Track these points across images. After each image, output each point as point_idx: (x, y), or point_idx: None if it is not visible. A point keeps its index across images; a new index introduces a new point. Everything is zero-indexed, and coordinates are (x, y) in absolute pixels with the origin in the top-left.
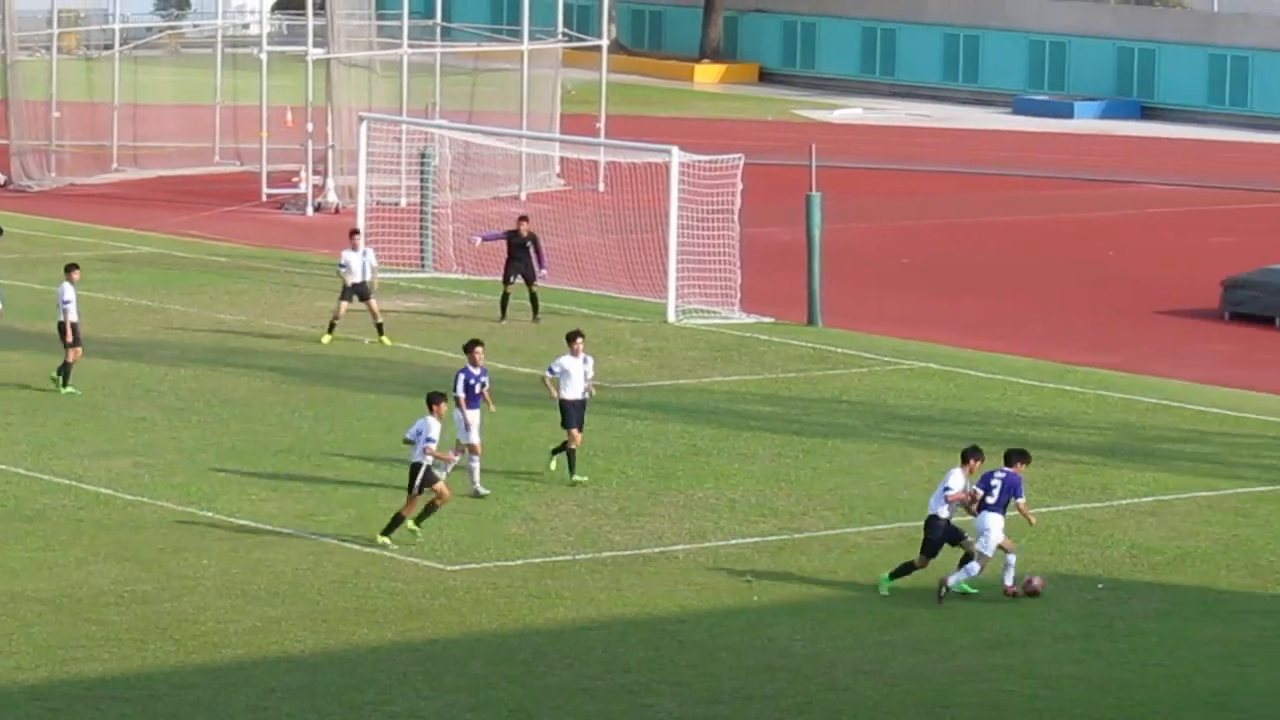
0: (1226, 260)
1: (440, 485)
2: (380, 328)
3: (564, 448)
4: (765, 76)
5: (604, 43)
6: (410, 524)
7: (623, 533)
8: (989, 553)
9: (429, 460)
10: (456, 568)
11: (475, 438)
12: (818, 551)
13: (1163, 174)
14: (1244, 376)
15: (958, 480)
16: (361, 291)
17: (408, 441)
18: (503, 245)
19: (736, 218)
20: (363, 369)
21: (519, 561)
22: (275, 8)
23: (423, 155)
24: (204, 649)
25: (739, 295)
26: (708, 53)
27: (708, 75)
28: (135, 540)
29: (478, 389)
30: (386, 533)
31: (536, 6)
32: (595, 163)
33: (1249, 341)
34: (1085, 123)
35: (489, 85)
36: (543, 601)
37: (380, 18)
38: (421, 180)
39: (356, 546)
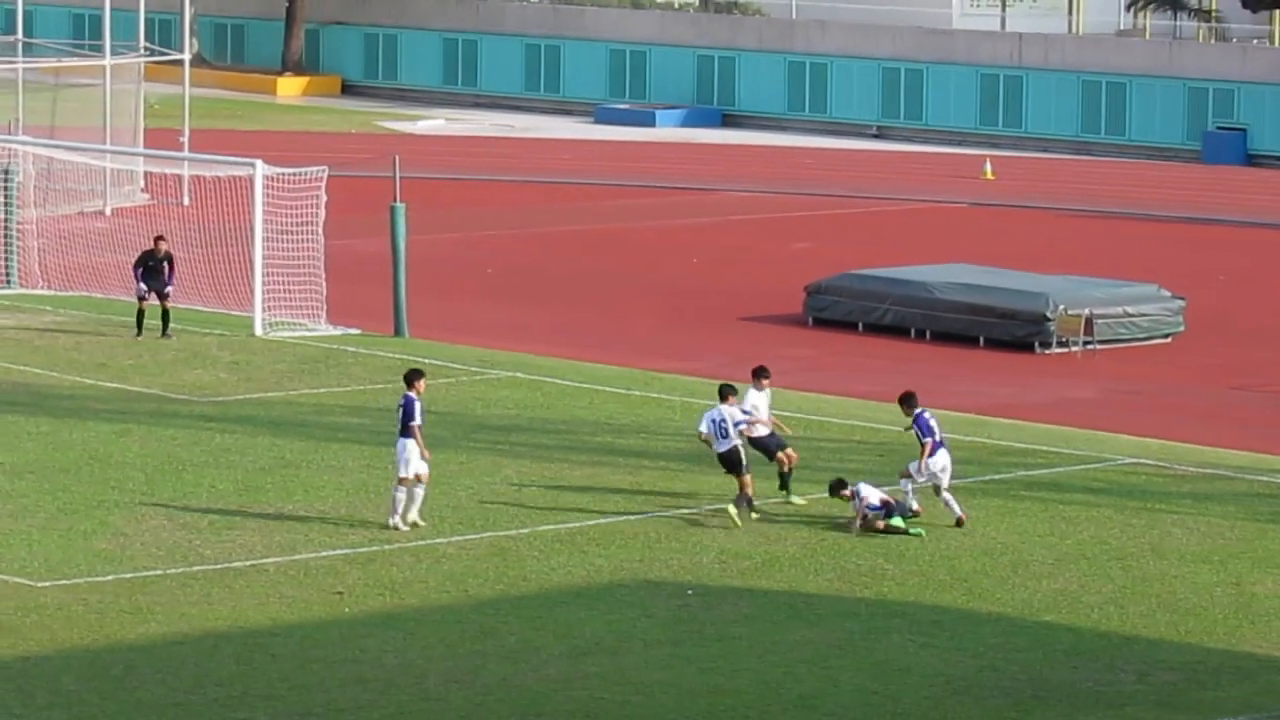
0: (808, 266)
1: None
2: None
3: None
4: (348, 89)
5: (186, 56)
6: (732, 511)
7: (212, 546)
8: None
9: (741, 441)
10: (47, 584)
11: (425, 467)
12: (408, 562)
13: (744, 181)
14: (827, 381)
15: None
16: None
17: (706, 440)
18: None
19: (320, 230)
20: None
21: (110, 577)
22: None
23: (5, 171)
24: None
25: (325, 308)
26: (290, 66)
27: (290, 88)
28: None
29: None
30: (747, 507)
31: (118, 21)
32: (180, 176)
33: (831, 346)
34: (667, 131)
35: (71, 100)
36: (134, 616)
37: None
38: (5, 197)
39: None
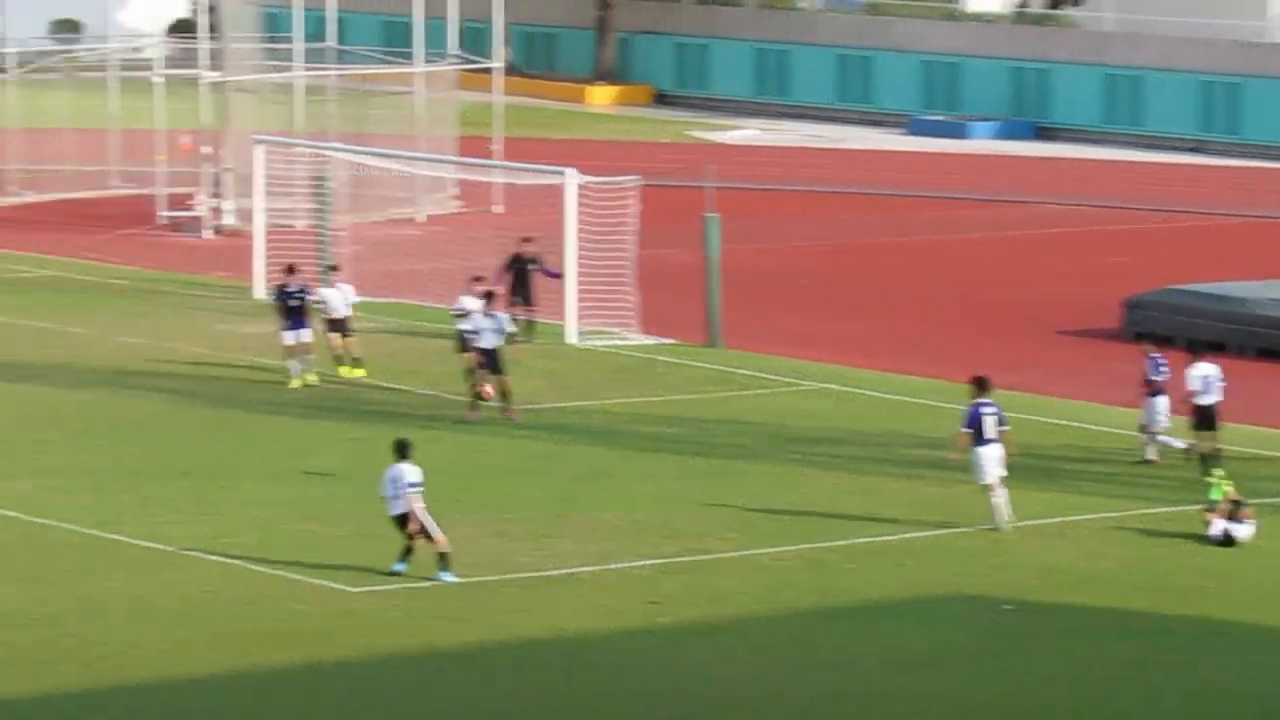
0: (1125, 280)
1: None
2: (357, 361)
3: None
4: (659, 98)
5: (498, 65)
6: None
7: (528, 555)
8: None
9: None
10: (361, 590)
11: (1000, 472)
12: (724, 573)
13: (1058, 194)
14: None
15: None
16: (341, 327)
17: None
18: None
19: (634, 239)
20: (264, 392)
21: (425, 584)
22: (168, 31)
23: (319, 179)
24: (111, 671)
25: (638, 317)
26: (601, 75)
27: (601, 97)
28: (41, 562)
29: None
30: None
31: (430, 29)
32: (491, 185)
33: None
34: (979, 143)
35: (382, 108)
36: (450, 624)
37: (273, 41)
38: (318, 203)
39: (262, 569)
